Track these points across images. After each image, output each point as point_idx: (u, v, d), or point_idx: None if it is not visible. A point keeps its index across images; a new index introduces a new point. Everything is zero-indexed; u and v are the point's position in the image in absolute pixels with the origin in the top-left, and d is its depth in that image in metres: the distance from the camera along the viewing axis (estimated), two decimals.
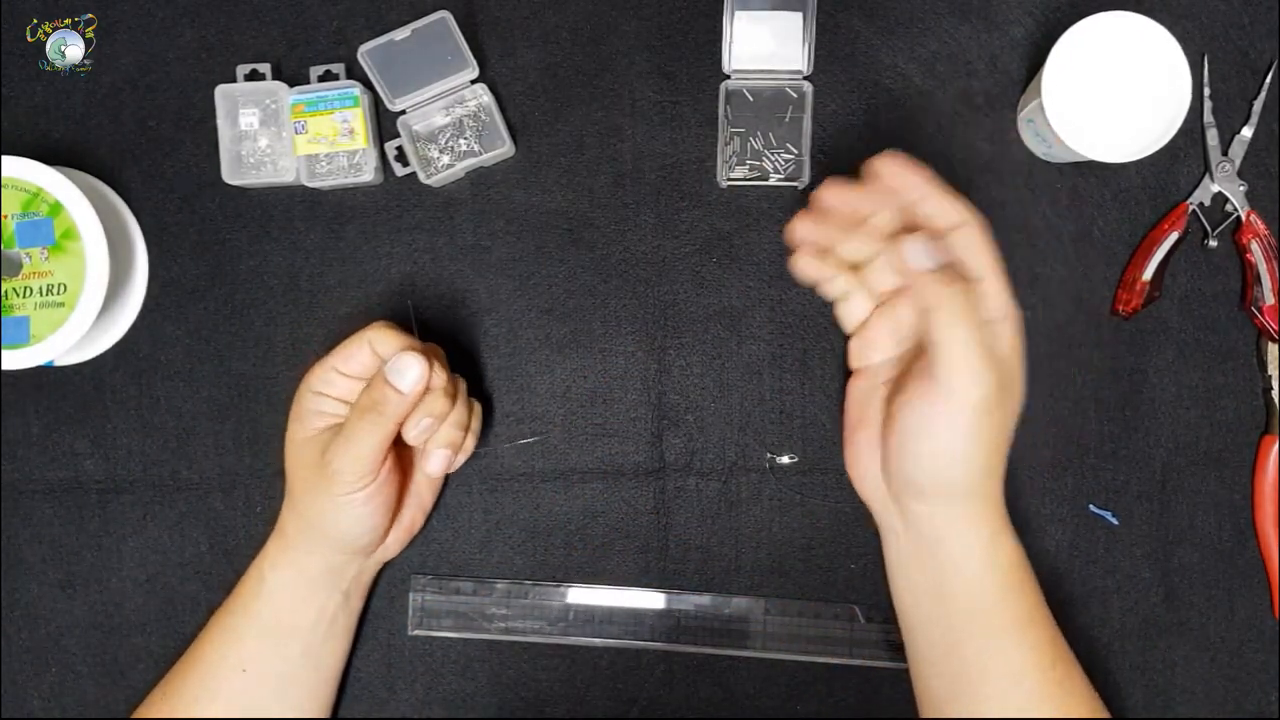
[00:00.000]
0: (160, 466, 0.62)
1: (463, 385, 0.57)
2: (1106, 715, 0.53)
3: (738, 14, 0.60)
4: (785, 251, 0.61)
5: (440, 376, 0.54)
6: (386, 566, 0.62)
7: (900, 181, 0.51)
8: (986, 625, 0.52)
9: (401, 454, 0.58)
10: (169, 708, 0.57)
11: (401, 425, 0.53)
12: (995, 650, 0.52)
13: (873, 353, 0.55)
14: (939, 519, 0.52)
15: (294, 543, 0.57)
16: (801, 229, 0.53)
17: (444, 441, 0.56)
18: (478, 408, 0.59)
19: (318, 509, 0.55)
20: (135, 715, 0.58)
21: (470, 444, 0.58)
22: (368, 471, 0.53)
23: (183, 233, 0.63)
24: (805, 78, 0.60)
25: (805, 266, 0.54)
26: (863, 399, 0.55)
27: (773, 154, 0.61)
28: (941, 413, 0.48)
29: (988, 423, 0.48)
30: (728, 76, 0.61)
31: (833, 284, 0.55)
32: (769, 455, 0.61)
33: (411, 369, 0.52)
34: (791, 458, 0.61)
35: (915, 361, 0.52)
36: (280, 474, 0.62)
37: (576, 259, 0.62)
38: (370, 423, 0.52)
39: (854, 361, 0.56)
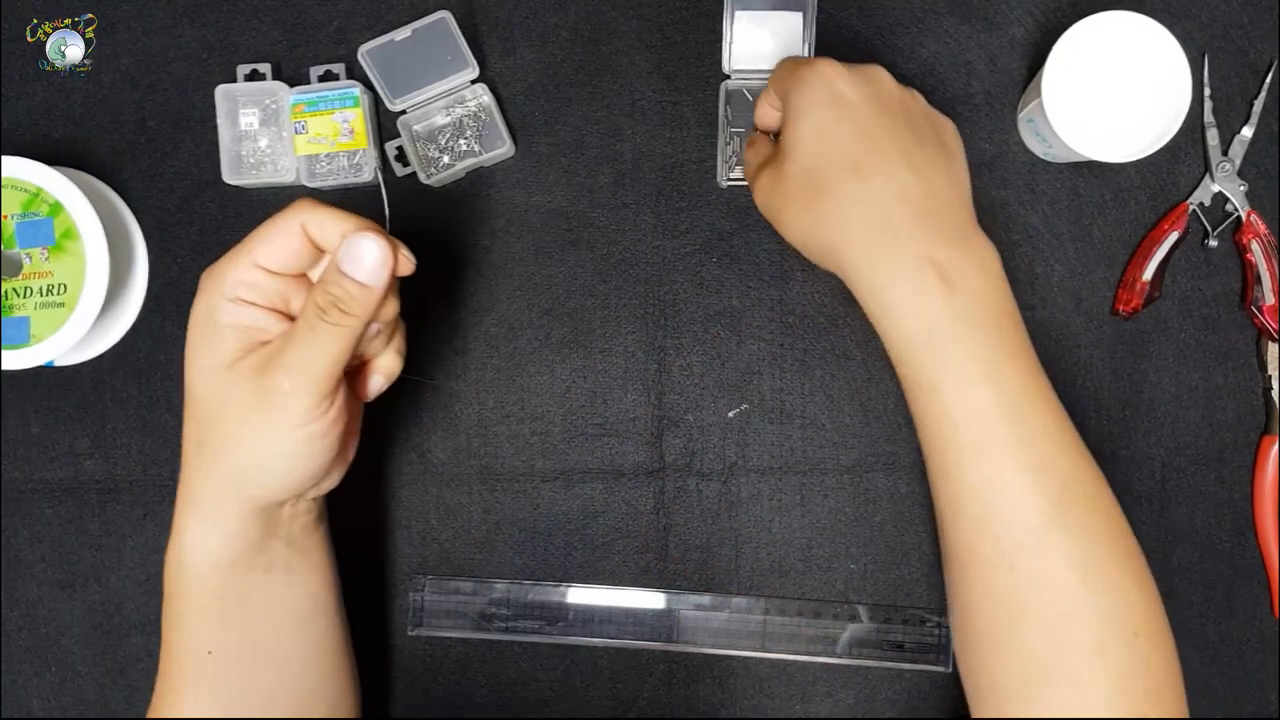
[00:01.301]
0: (160, 466, 0.62)
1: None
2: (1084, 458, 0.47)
3: (738, 14, 0.60)
4: (785, 251, 0.62)
5: (405, 254, 0.46)
6: (386, 566, 0.62)
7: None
8: (936, 382, 0.46)
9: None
10: (163, 707, 0.50)
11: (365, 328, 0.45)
12: (947, 402, 0.45)
13: None
14: (841, 262, 0.48)
15: (214, 508, 0.47)
16: None
17: (386, 366, 0.49)
18: (403, 325, 0.52)
19: (254, 452, 0.45)
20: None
21: (399, 365, 0.51)
22: (329, 391, 0.44)
23: (183, 233, 0.63)
24: None
25: None
26: None
27: None
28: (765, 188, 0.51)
29: (776, 191, 0.50)
30: (728, 76, 0.61)
31: None
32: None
33: (371, 252, 0.43)
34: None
35: None
36: None
37: (576, 259, 0.62)
38: (331, 327, 0.43)
39: None
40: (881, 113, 0.48)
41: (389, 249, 0.44)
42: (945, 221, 0.47)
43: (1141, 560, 0.47)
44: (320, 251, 0.47)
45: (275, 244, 0.45)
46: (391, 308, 0.47)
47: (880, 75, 0.50)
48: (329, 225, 0.45)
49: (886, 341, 0.48)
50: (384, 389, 0.51)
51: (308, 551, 0.52)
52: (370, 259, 0.44)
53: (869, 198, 0.47)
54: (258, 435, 0.45)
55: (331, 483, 0.51)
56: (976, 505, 0.46)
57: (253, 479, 0.46)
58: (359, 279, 0.44)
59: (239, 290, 0.45)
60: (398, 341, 0.50)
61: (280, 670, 0.51)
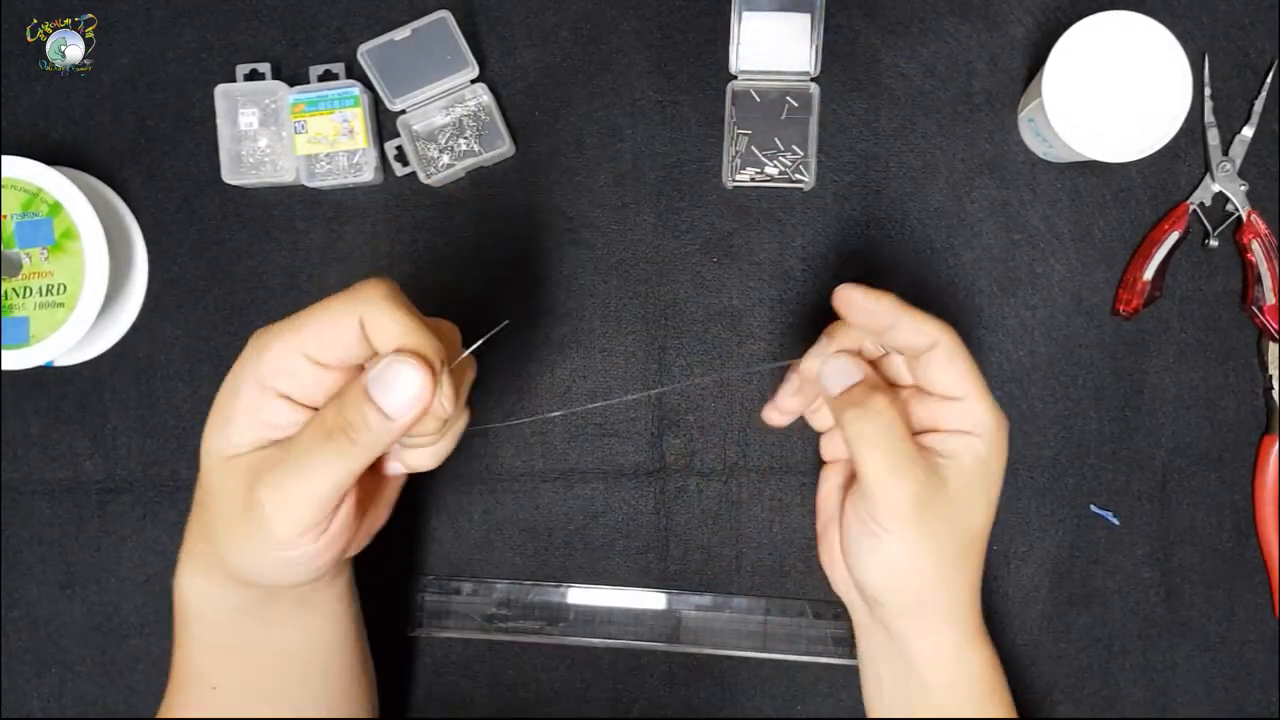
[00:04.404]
0: (160, 466, 0.62)
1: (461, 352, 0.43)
2: None
3: (745, 14, 0.60)
4: (785, 251, 0.61)
5: (447, 395, 0.38)
6: (386, 566, 0.62)
7: (865, 314, 0.47)
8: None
9: None
10: None
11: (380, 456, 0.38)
12: None
13: (836, 450, 0.55)
14: (902, 621, 0.49)
15: (210, 571, 0.42)
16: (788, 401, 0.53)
17: (437, 450, 0.43)
18: (472, 372, 0.45)
19: (239, 555, 0.40)
20: None
21: (463, 424, 0.43)
22: (317, 521, 0.38)
23: (182, 232, 0.63)
24: (812, 79, 0.60)
25: (778, 418, 0.54)
26: (830, 495, 0.55)
27: (778, 155, 0.61)
28: (872, 518, 0.46)
29: (924, 532, 0.46)
30: (734, 77, 0.61)
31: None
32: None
33: (406, 385, 0.36)
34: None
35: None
36: None
37: (576, 259, 0.62)
38: (334, 454, 0.37)
39: (825, 454, 0.56)
40: None
41: (430, 387, 0.37)
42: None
43: None
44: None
45: (326, 336, 0.38)
46: (433, 425, 0.39)
47: None
48: (389, 331, 0.37)
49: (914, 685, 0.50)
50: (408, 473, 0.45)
51: (319, 605, 0.47)
52: (404, 392, 0.36)
53: (976, 572, 0.50)
54: (240, 543, 0.39)
55: (351, 553, 0.45)
56: None
57: (246, 577, 0.41)
58: (384, 408, 0.36)
59: (277, 380, 0.39)
60: (462, 418, 0.43)
61: (292, 711, 0.47)
